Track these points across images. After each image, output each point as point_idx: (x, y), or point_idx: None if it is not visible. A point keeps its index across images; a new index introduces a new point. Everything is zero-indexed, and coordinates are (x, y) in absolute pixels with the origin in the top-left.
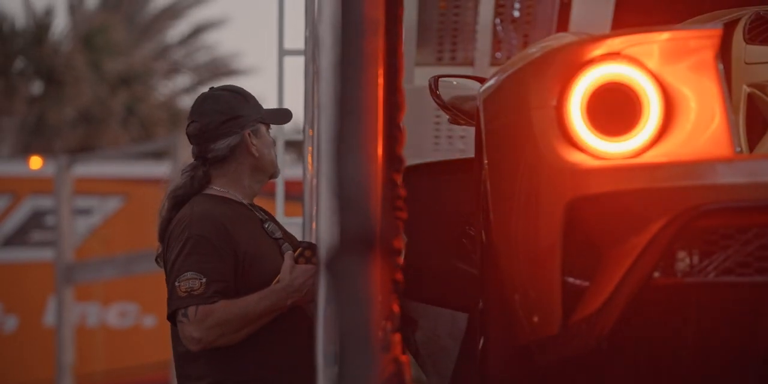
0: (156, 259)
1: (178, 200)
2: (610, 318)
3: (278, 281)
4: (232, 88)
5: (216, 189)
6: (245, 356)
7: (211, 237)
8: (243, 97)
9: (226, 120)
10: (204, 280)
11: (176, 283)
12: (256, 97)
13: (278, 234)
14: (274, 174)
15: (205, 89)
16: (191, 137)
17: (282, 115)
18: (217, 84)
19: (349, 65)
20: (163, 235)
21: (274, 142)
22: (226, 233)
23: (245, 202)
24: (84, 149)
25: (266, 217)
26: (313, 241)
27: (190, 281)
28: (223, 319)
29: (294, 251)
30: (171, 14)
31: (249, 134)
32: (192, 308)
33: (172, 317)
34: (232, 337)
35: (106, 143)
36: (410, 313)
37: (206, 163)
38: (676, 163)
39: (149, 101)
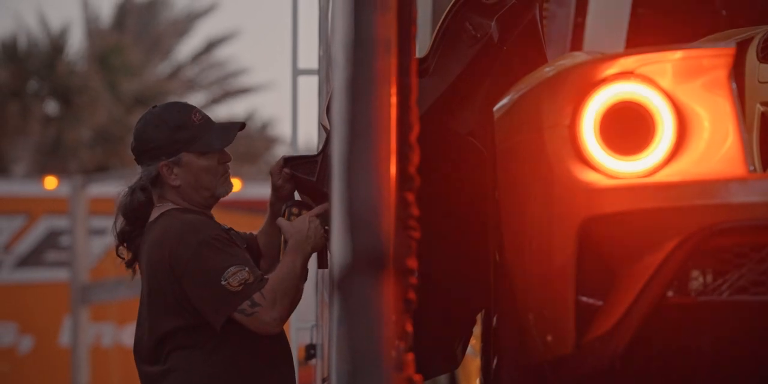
0: (127, 265)
1: (125, 212)
2: (624, 337)
3: (286, 241)
4: (167, 107)
5: (174, 205)
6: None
7: (222, 234)
8: (169, 123)
9: (145, 150)
10: (247, 268)
11: (223, 282)
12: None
13: (241, 242)
14: (214, 195)
15: (219, 107)
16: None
17: (219, 137)
18: (230, 101)
19: (362, 84)
20: (129, 245)
21: (225, 160)
22: (226, 231)
23: (207, 213)
24: (100, 169)
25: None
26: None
27: (239, 274)
28: (283, 288)
29: (282, 215)
30: (180, 30)
31: (164, 166)
32: (257, 295)
33: (227, 315)
34: (297, 299)
35: (122, 164)
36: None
37: (142, 181)
38: (689, 182)
39: None
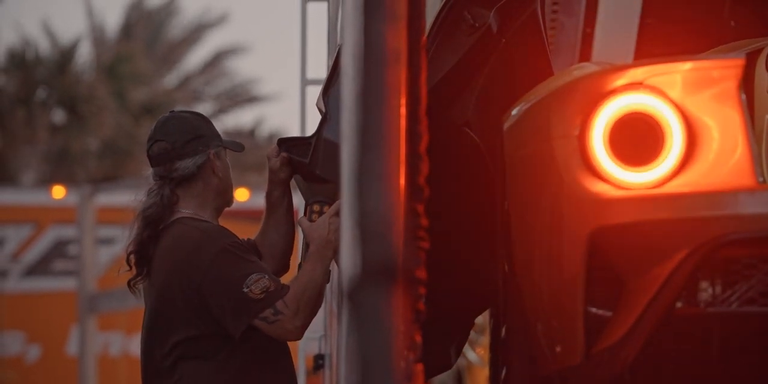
0: (129, 283)
1: (150, 220)
2: (632, 348)
3: (308, 245)
4: (193, 111)
5: (188, 212)
6: None
7: (239, 241)
8: (204, 119)
9: (192, 139)
10: (267, 276)
11: (245, 290)
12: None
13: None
14: (230, 201)
15: (227, 116)
16: (155, 157)
17: (237, 145)
18: (238, 111)
19: (372, 95)
20: (142, 257)
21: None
22: (241, 239)
23: (216, 222)
24: (108, 179)
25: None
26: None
27: (260, 282)
28: (306, 298)
29: (304, 213)
30: (190, 40)
31: (213, 154)
32: (279, 303)
33: (248, 323)
34: (319, 306)
35: (129, 173)
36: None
37: (171, 182)
38: (698, 193)
39: None
